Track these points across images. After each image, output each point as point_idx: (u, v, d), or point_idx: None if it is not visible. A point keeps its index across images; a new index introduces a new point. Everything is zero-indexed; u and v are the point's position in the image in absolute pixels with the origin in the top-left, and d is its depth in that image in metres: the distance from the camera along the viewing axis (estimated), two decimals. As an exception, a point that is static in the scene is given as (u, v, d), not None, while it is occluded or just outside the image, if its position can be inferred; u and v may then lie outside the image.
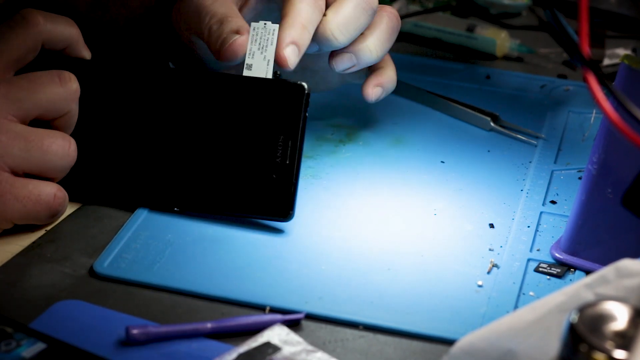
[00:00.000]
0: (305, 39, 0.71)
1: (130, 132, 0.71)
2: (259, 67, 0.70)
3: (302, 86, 0.69)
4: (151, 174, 0.70)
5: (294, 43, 0.70)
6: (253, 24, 0.70)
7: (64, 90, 0.68)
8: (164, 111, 0.71)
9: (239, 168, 0.69)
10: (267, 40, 0.70)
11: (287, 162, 0.69)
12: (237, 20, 0.71)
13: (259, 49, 0.70)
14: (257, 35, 0.70)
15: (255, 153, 0.69)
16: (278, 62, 0.70)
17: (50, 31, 0.68)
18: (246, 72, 0.70)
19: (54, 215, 0.68)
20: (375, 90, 0.78)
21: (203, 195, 0.70)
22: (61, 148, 0.67)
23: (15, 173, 0.66)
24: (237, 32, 0.70)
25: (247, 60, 0.70)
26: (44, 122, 0.68)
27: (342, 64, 0.75)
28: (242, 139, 0.70)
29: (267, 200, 0.69)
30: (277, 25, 0.70)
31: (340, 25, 0.72)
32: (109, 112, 0.71)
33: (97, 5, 0.78)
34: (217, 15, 0.71)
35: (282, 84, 0.70)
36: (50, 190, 0.67)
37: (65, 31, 0.69)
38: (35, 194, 0.66)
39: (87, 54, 0.71)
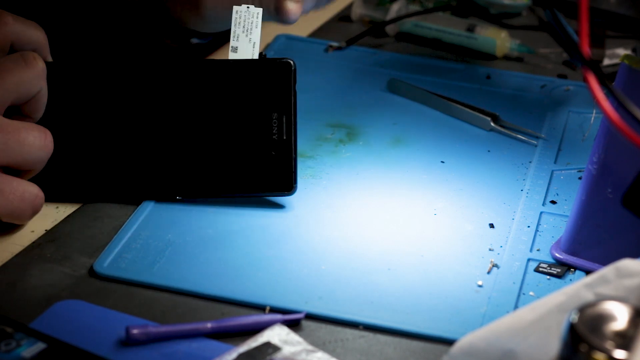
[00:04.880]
0: None
1: (126, 124, 0.71)
2: (245, 49, 0.70)
3: (289, 63, 0.70)
4: (151, 165, 0.71)
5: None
6: (235, 8, 0.71)
7: (30, 71, 0.67)
8: (157, 102, 0.71)
9: (238, 149, 0.70)
10: (252, 23, 0.70)
11: (284, 138, 0.70)
12: None
13: (243, 31, 0.70)
14: (240, 18, 0.70)
15: (252, 133, 0.70)
16: (280, 13, 0.72)
17: (19, 32, 0.68)
18: (232, 55, 0.70)
19: (34, 214, 0.68)
20: (293, 5, 0.75)
21: (205, 181, 0.70)
22: (38, 139, 0.67)
23: None
24: None
25: (232, 43, 0.70)
26: (17, 110, 0.68)
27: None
28: (238, 121, 0.70)
29: (270, 177, 0.70)
30: (261, 8, 0.71)
31: None
32: (102, 107, 0.71)
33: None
34: None
35: (269, 63, 0.71)
36: (33, 190, 0.67)
37: (33, 34, 0.69)
38: (20, 191, 0.66)
39: (49, 59, 0.71)
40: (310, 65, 0.93)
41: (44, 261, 0.66)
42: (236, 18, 0.71)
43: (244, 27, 0.70)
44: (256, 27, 0.70)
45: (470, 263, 0.67)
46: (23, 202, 0.66)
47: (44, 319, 0.60)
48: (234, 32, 0.70)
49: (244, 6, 0.71)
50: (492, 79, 0.94)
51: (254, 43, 0.70)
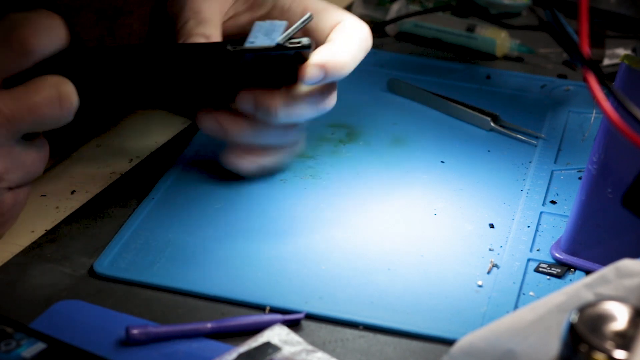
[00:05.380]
0: (338, 73, 0.69)
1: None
2: (262, 41, 0.68)
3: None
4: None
5: (324, 67, 0.68)
6: (257, 23, 0.69)
7: (62, 114, 0.61)
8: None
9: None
10: (274, 30, 0.69)
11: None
12: (215, 27, 0.71)
13: (264, 34, 0.68)
14: (262, 28, 0.69)
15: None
16: (300, 73, 0.68)
17: (42, 51, 0.61)
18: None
19: None
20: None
21: None
22: (38, 160, 0.63)
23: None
24: (208, 37, 0.70)
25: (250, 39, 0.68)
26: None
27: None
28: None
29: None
30: (285, 22, 0.69)
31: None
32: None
33: (104, 35, 0.77)
34: (200, 13, 0.71)
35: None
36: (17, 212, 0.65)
37: (56, 43, 0.62)
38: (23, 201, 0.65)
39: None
40: (310, 65, 0.93)
41: (44, 261, 0.66)
42: (256, 28, 0.69)
43: (263, 33, 0.68)
44: (277, 32, 0.68)
45: (470, 263, 0.67)
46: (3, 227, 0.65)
47: (44, 319, 0.60)
48: (253, 36, 0.68)
49: (268, 21, 0.69)
50: (492, 79, 0.94)
51: (273, 39, 0.68)
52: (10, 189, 0.63)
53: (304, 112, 0.71)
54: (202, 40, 0.70)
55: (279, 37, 0.68)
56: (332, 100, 0.73)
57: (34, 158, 0.63)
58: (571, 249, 0.67)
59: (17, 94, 0.61)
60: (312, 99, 0.71)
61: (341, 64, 0.69)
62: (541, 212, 0.73)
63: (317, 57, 0.69)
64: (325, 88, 0.71)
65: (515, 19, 1.08)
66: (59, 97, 0.61)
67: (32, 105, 0.60)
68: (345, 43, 0.71)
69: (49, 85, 0.61)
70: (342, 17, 0.73)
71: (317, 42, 0.71)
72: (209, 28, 0.71)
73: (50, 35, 0.61)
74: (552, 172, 0.78)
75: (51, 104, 0.61)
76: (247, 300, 0.62)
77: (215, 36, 0.71)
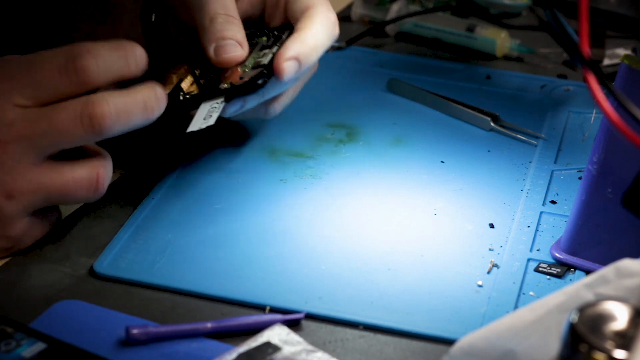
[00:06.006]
0: (310, 59, 0.71)
1: None
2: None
3: None
4: None
5: (297, 59, 0.70)
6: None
7: (86, 135, 0.62)
8: None
9: None
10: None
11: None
12: (242, 29, 0.72)
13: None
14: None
15: None
16: (275, 71, 0.70)
17: (100, 82, 0.62)
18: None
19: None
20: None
21: None
22: (87, 189, 0.64)
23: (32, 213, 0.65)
24: (240, 44, 0.71)
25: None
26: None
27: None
28: None
29: None
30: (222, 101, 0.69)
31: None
32: None
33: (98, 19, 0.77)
34: (228, 9, 0.72)
35: None
36: (55, 214, 0.67)
37: (117, 75, 0.63)
38: (46, 224, 0.66)
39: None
40: (310, 65, 0.93)
41: (44, 261, 0.66)
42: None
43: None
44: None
45: (470, 263, 0.67)
46: (44, 229, 0.67)
47: (44, 319, 0.60)
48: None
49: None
50: (492, 79, 0.94)
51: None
52: (31, 214, 0.64)
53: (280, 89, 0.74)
54: (237, 51, 0.71)
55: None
56: (313, 70, 0.77)
57: (65, 182, 0.63)
58: (571, 249, 0.67)
59: (43, 111, 0.61)
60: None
61: (311, 52, 0.71)
62: (541, 212, 0.73)
63: (289, 52, 0.70)
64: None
65: (515, 19, 1.08)
66: (81, 115, 0.61)
67: (54, 123, 0.61)
68: (312, 32, 0.72)
69: (78, 104, 0.61)
70: (313, 3, 0.74)
71: (293, 23, 0.74)
72: (239, 32, 0.72)
73: (109, 65, 0.62)
74: (552, 172, 0.78)
75: (74, 124, 0.61)
76: (247, 300, 0.62)
77: (243, 39, 0.71)
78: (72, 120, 0.61)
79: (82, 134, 0.61)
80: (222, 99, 0.68)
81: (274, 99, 0.75)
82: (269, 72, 0.70)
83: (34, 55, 0.62)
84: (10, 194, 0.62)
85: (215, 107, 0.68)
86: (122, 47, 0.63)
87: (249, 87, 0.69)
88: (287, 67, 0.69)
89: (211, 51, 0.71)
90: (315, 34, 0.72)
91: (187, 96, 0.69)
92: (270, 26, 0.77)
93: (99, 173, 0.64)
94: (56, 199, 0.64)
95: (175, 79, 0.71)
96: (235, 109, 0.70)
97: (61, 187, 0.63)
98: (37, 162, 0.62)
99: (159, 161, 0.78)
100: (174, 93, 0.69)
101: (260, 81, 0.69)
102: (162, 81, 0.69)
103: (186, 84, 0.70)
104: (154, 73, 0.67)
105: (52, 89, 0.61)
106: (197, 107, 0.68)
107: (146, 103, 0.63)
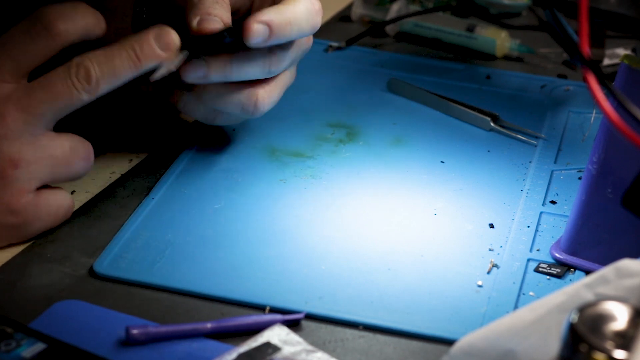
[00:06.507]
0: (283, 33, 0.69)
1: None
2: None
3: None
4: None
5: (269, 25, 0.68)
6: None
7: (82, 95, 0.65)
8: None
9: None
10: None
11: None
12: (228, 9, 0.71)
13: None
14: None
15: None
16: (243, 32, 0.68)
17: (70, 37, 0.65)
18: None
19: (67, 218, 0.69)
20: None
21: None
22: (84, 160, 0.67)
23: (37, 188, 0.66)
24: (225, 23, 0.70)
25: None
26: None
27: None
28: None
29: None
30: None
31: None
32: None
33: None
34: None
35: None
36: (65, 202, 0.68)
37: (83, 29, 0.66)
38: (55, 208, 0.67)
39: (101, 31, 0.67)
40: (310, 65, 0.93)
41: (44, 261, 0.66)
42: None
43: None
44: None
45: (470, 263, 0.67)
46: (57, 217, 0.68)
47: (44, 319, 0.60)
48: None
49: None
50: (492, 79, 0.94)
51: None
52: (37, 191, 0.65)
53: (254, 70, 0.72)
54: (219, 25, 0.69)
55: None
56: (279, 64, 0.73)
57: (65, 151, 0.66)
58: (571, 249, 0.67)
59: (36, 82, 0.64)
60: (262, 56, 0.71)
61: (286, 24, 0.69)
62: (541, 212, 0.73)
63: (263, 16, 0.68)
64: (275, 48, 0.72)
65: (515, 19, 1.08)
66: (75, 75, 0.64)
67: (50, 90, 0.64)
68: (292, 8, 0.71)
69: (67, 68, 0.65)
70: None
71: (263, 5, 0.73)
72: (225, 13, 0.70)
73: (75, 20, 0.65)
74: (552, 172, 0.78)
75: (68, 85, 0.64)
76: (247, 300, 0.62)
77: (228, 20, 0.70)
78: (66, 83, 0.64)
79: (78, 95, 0.64)
80: (185, 51, 0.68)
81: (253, 89, 0.73)
82: (235, 32, 0.68)
83: (5, 34, 0.65)
84: (16, 163, 0.64)
85: (179, 57, 0.68)
86: (81, 4, 0.66)
87: (212, 40, 0.68)
88: (256, 29, 0.68)
89: (194, 22, 0.69)
90: (294, 10, 0.70)
91: None
92: None
93: (89, 146, 0.67)
94: (59, 171, 0.66)
95: None
96: (198, 74, 0.70)
97: (63, 157, 0.66)
98: (39, 132, 0.65)
99: (159, 161, 0.78)
100: None
101: (226, 36, 0.68)
102: None
103: None
104: None
105: (31, 55, 0.65)
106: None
107: (130, 54, 0.65)
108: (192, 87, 0.74)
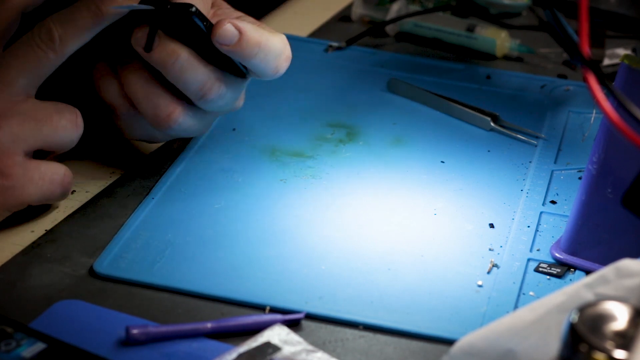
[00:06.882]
0: (249, 52, 0.68)
1: None
2: None
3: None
4: None
5: (241, 31, 0.67)
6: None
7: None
8: None
9: None
10: None
11: None
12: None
13: None
14: None
15: None
16: (214, 26, 0.67)
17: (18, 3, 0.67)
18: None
19: (66, 193, 0.69)
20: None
21: None
22: (70, 122, 0.68)
23: (26, 153, 0.66)
24: None
25: None
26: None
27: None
28: None
29: None
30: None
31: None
32: None
33: None
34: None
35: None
36: (60, 170, 0.68)
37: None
38: (49, 174, 0.67)
39: None
40: (310, 65, 0.93)
41: (44, 261, 0.66)
42: None
43: None
44: None
45: (470, 263, 0.67)
46: (52, 184, 0.68)
47: (44, 319, 0.60)
48: None
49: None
50: (492, 79, 0.94)
51: None
52: (28, 155, 0.66)
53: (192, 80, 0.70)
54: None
55: None
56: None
57: (49, 114, 0.66)
58: (571, 249, 0.67)
59: (4, 53, 0.66)
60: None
61: (255, 42, 0.68)
62: (541, 212, 0.73)
63: (237, 21, 0.68)
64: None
65: (515, 19, 1.08)
66: (39, 37, 0.66)
67: (19, 57, 0.66)
68: (268, 35, 0.70)
69: (30, 32, 0.66)
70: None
71: None
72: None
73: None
74: (552, 172, 0.78)
75: (34, 52, 0.66)
76: (247, 300, 0.62)
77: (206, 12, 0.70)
78: (30, 46, 0.66)
79: (44, 55, 0.66)
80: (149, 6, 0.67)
81: (172, 102, 0.71)
82: (205, 20, 0.67)
83: None
84: None
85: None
86: None
87: (181, 9, 0.66)
88: (228, 28, 0.67)
89: None
90: (268, 38, 0.69)
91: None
92: None
93: (76, 110, 0.68)
94: (45, 133, 0.67)
95: None
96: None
97: (47, 119, 0.67)
98: (19, 99, 0.66)
99: (159, 161, 0.78)
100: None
101: (194, 13, 0.66)
102: None
103: None
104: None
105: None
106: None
107: (90, 6, 0.66)
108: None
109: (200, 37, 0.68)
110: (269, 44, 0.70)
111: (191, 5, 0.66)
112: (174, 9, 0.67)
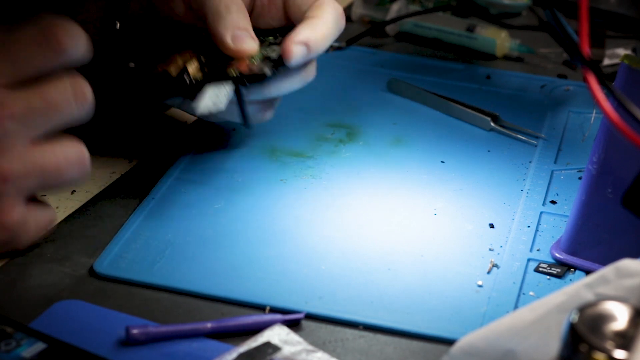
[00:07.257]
0: (319, 47, 0.72)
1: None
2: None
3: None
4: None
5: (306, 44, 0.71)
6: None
7: (78, 110, 0.60)
8: None
9: None
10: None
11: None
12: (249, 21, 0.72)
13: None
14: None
15: None
16: (283, 54, 0.71)
17: (71, 57, 0.59)
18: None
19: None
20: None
21: None
22: (76, 165, 0.61)
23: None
24: (255, 40, 0.71)
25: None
26: None
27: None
28: None
29: None
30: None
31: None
32: None
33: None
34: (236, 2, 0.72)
35: None
36: (51, 217, 0.63)
37: (84, 54, 0.60)
38: (43, 223, 0.62)
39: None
40: (310, 65, 0.93)
41: (44, 261, 0.66)
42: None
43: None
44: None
45: (470, 263, 0.67)
46: (43, 230, 0.63)
47: (44, 319, 0.60)
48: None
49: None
50: (492, 79, 0.94)
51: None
52: (27, 203, 0.61)
53: (292, 85, 0.74)
54: (251, 44, 0.71)
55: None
56: (313, 72, 0.76)
57: (58, 161, 0.60)
58: (571, 249, 0.67)
59: (33, 89, 0.59)
60: (298, 71, 0.74)
61: (321, 40, 0.72)
62: (541, 212, 0.73)
63: (299, 36, 0.71)
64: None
65: (515, 19, 1.08)
66: (72, 89, 0.59)
67: (48, 101, 0.59)
68: (323, 21, 0.73)
69: (64, 81, 0.60)
70: None
71: (294, 19, 0.75)
72: (249, 24, 0.72)
73: (79, 41, 0.60)
74: (552, 172, 0.78)
75: (66, 100, 0.59)
76: (247, 300, 0.62)
77: (254, 35, 0.72)
78: (64, 96, 0.59)
79: (75, 110, 0.60)
80: (230, 85, 0.69)
81: (271, 102, 0.75)
82: (277, 63, 0.71)
83: (3, 32, 0.60)
84: (5, 176, 0.59)
85: (223, 92, 0.69)
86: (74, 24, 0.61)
87: (258, 76, 0.70)
88: (296, 50, 0.71)
89: (228, 39, 0.70)
90: (326, 22, 0.73)
91: (194, 81, 0.69)
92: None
93: (83, 151, 0.62)
94: (50, 181, 0.61)
95: (180, 61, 0.70)
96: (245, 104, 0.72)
97: (55, 167, 0.60)
98: (31, 142, 0.59)
99: (159, 161, 0.78)
100: (180, 76, 0.69)
101: (268, 71, 0.70)
102: (165, 60, 0.70)
103: (192, 68, 0.69)
104: (157, 55, 0.70)
105: (32, 64, 0.59)
106: (200, 89, 0.69)
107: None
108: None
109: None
110: (330, 26, 0.73)
111: (268, 74, 0.70)
112: (256, 77, 0.71)
